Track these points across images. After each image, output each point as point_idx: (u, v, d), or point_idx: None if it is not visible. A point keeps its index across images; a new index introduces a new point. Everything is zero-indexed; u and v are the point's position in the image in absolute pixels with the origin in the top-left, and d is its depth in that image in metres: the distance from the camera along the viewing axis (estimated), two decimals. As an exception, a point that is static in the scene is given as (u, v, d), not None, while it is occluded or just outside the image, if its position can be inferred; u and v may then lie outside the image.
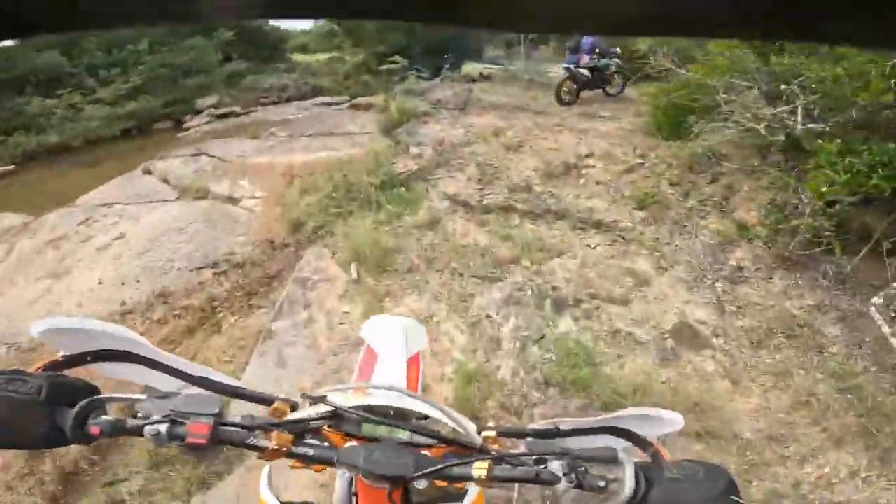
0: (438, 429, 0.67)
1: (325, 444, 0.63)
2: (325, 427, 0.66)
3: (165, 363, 0.67)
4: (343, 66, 12.93)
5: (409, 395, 0.69)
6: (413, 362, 1.19)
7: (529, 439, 0.70)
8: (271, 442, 0.58)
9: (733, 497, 0.52)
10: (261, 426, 0.59)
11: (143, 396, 0.59)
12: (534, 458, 0.61)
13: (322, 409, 0.64)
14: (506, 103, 6.88)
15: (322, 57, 15.12)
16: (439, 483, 0.61)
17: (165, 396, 0.59)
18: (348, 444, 0.63)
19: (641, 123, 5.56)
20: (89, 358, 0.64)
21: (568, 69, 7.07)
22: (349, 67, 12.57)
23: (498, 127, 5.37)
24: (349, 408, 0.63)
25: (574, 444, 0.68)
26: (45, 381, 0.54)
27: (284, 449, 0.59)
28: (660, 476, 0.55)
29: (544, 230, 3.58)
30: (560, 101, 7.05)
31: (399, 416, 0.69)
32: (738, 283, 2.99)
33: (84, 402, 0.55)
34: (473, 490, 0.76)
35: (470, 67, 10.01)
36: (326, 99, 10.43)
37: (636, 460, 0.58)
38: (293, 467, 0.62)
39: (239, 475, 1.89)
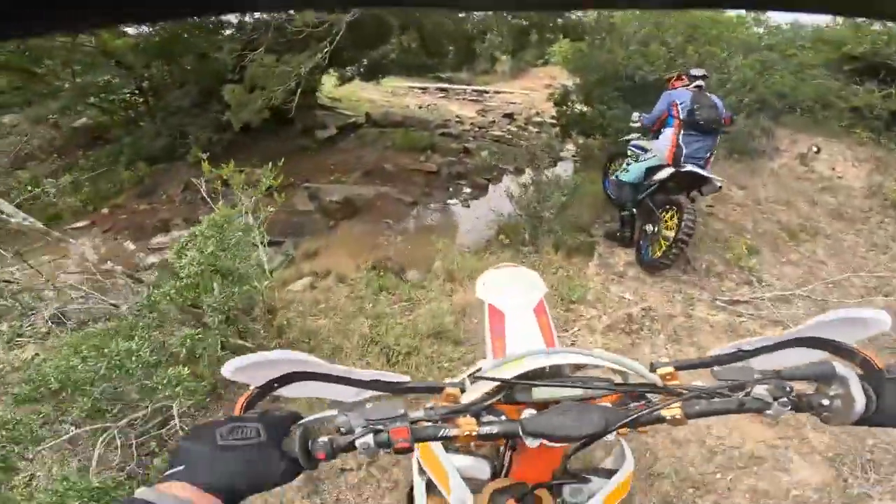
0: (608, 376, 0.66)
1: (503, 417, 0.64)
2: (497, 401, 0.67)
3: (338, 374, 0.69)
4: None
5: (575, 353, 0.68)
6: (541, 312, 1.15)
7: (716, 368, 0.63)
8: (460, 428, 0.61)
9: None
10: (446, 416, 0.62)
11: (334, 412, 0.62)
12: (729, 386, 0.57)
13: (492, 385, 0.66)
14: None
15: None
16: (622, 432, 0.60)
17: (352, 409, 0.62)
18: (526, 413, 0.63)
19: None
20: (276, 384, 0.67)
21: (692, 173, 3.20)
22: None
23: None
24: (517, 378, 0.66)
25: (763, 364, 0.63)
26: (258, 421, 0.56)
27: (473, 432, 0.61)
28: (888, 383, 0.52)
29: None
30: (666, 260, 3.24)
31: (555, 373, 0.71)
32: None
33: (299, 430, 0.58)
34: (626, 468, 0.76)
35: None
36: None
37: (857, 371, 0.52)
38: (474, 446, 0.67)
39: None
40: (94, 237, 5.97)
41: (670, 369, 0.65)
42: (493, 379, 0.65)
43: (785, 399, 0.53)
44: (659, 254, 3.19)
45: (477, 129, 10.69)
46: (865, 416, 0.52)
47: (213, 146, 7.53)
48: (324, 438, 0.59)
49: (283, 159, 3.14)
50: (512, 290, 1.21)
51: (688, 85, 3.40)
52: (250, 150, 8.23)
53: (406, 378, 0.71)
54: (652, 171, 3.38)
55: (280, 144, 8.45)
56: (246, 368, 0.65)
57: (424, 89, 16.81)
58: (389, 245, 4.84)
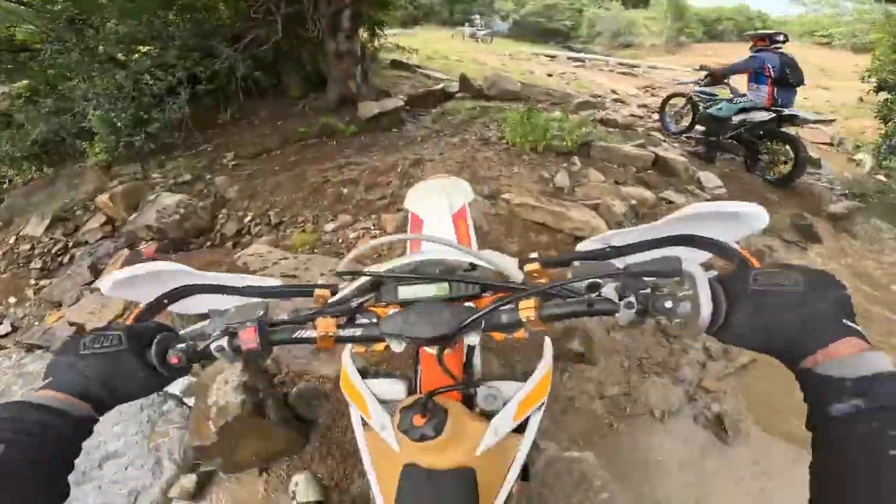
0: (485, 276, 0.60)
1: (373, 320, 0.58)
2: (371, 303, 0.61)
3: (217, 283, 0.66)
4: None
5: (437, 241, 0.61)
6: (460, 217, 1.08)
7: (576, 263, 0.58)
8: (318, 331, 0.56)
9: (846, 321, 0.37)
10: (304, 317, 0.57)
11: (206, 322, 0.58)
12: (585, 283, 0.52)
13: (358, 281, 0.61)
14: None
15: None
16: (497, 337, 0.56)
17: (221, 315, 0.58)
18: (390, 313, 0.58)
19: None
20: (165, 301, 0.64)
21: (795, 115, 3.98)
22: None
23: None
24: (383, 271, 0.60)
25: (636, 261, 0.51)
26: (122, 331, 0.53)
27: (331, 334, 0.56)
28: (744, 289, 0.41)
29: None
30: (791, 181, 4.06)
31: (446, 274, 0.62)
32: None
33: (158, 337, 0.54)
34: (542, 368, 0.63)
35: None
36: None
37: (712, 271, 0.44)
38: (358, 353, 0.63)
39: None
40: None
41: (537, 266, 0.63)
42: (353, 273, 0.61)
43: (631, 300, 0.44)
44: (783, 175, 4.09)
45: (654, 113, 5.85)
46: (712, 329, 0.41)
47: (151, 137, 3.91)
48: (181, 344, 0.54)
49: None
50: (435, 198, 1.12)
51: (769, 47, 4.03)
52: (229, 136, 4.53)
53: (278, 282, 0.69)
54: (746, 111, 4.11)
55: (291, 125, 4.65)
56: (126, 283, 0.62)
57: (552, 57, 12.64)
58: None
